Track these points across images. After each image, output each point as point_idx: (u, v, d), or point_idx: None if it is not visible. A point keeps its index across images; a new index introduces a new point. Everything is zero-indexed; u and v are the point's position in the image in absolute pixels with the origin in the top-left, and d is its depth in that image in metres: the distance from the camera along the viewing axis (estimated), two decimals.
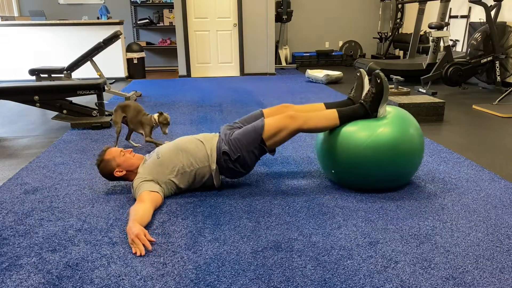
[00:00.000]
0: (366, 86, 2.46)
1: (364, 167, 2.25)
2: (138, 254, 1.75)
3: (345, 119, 2.34)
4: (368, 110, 2.33)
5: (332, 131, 2.38)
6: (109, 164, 2.31)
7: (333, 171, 2.39)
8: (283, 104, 2.52)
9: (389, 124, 2.27)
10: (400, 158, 2.24)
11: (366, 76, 2.47)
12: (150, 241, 1.83)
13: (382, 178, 2.28)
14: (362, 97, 2.39)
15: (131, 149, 2.41)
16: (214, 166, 2.31)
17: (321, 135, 2.50)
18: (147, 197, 2.10)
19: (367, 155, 2.22)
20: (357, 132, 2.26)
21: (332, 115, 2.33)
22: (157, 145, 3.16)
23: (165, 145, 2.39)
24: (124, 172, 2.32)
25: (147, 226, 1.98)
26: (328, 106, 2.51)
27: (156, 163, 2.27)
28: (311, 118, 2.30)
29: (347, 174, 2.33)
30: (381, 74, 2.29)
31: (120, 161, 2.32)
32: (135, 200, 2.28)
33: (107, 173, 2.34)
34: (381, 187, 2.36)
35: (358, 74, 2.48)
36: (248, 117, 2.52)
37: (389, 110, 2.42)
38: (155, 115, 3.17)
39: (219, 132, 2.46)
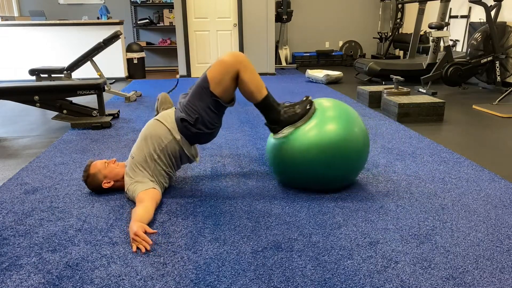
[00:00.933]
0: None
1: (306, 165, 2.23)
2: (143, 250, 1.76)
3: (265, 103, 2.25)
4: (279, 120, 2.27)
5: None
6: (96, 177, 2.33)
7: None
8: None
9: (334, 120, 2.23)
10: (344, 156, 2.22)
11: (309, 105, 2.32)
12: (151, 233, 1.83)
13: (326, 177, 2.26)
14: (285, 108, 2.30)
15: (115, 158, 2.43)
16: (178, 136, 2.28)
17: (270, 142, 2.44)
18: (144, 196, 2.10)
19: (311, 152, 2.21)
20: (304, 130, 2.24)
21: (263, 90, 2.25)
22: None
23: (135, 143, 2.38)
24: (112, 183, 2.34)
25: (149, 225, 1.98)
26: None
27: (134, 163, 2.27)
28: (252, 71, 2.21)
29: (293, 173, 2.32)
30: (314, 104, 2.29)
31: (106, 172, 2.33)
32: (135, 203, 2.28)
33: (96, 186, 2.36)
34: (325, 187, 2.33)
35: (305, 98, 2.36)
36: (199, 78, 2.44)
37: (327, 105, 2.33)
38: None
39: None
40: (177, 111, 2.33)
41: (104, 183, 2.34)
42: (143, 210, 1.99)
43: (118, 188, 2.39)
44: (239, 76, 2.20)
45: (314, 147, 2.20)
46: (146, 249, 1.77)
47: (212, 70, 2.22)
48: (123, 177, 2.35)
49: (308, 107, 2.27)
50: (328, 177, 2.26)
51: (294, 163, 2.27)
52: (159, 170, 2.28)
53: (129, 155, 2.41)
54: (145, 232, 1.83)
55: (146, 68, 8.48)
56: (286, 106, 2.32)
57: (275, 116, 2.28)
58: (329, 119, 2.25)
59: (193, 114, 2.24)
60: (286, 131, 2.28)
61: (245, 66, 2.19)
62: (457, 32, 6.83)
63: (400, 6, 8.44)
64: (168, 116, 2.33)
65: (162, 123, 2.30)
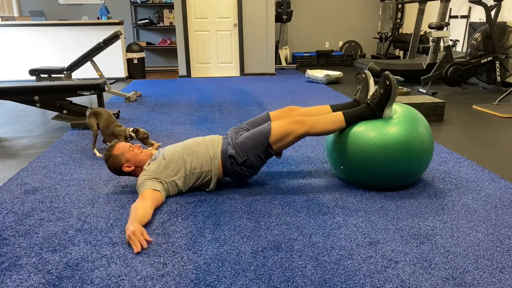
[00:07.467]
0: (372, 88, 2.47)
1: (372, 165, 2.26)
2: (135, 251, 1.75)
3: (351, 120, 2.34)
4: (374, 110, 2.33)
5: (341, 130, 2.40)
6: (118, 159, 2.32)
7: (342, 167, 2.41)
8: (289, 107, 2.52)
9: (399, 123, 2.28)
10: (409, 156, 2.25)
11: (371, 77, 2.49)
12: (147, 240, 1.83)
13: (391, 176, 2.29)
14: (369, 97, 2.39)
15: (139, 144, 2.41)
16: (216, 170, 2.32)
17: (331, 134, 2.51)
18: (149, 195, 2.10)
19: (375, 152, 2.24)
20: (367, 131, 2.28)
21: (338, 118, 2.33)
22: None
23: (172, 146, 2.39)
24: (132, 168, 2.33)
25: (147, 226, 1.98)
26: (334, 108, 2.51)
27: (162, 164, 2.28)
28: (318, 122, 2.31)
29: (357, 172, 2.34)
30: (391, 76, 2.30)
31: (129, 157, 2.32)
32: (137, 196, 2.28)
33: (116, 168, 2.34)
34: (389, 185, 2.36)
35: (363, 75, 2.49)
36: (254, 119, 2.52)
37: (396, 109, 2.42)
38: (130, 130, 2.94)
39: (226, 135, 2.47)
40: (227, 144, 2.36)
41: (125, 166, 2.32)
42: (143, 211, 1.99)
43: (136, 174, 2.37)
44: (311, 134, 2.32)
45: (377, 145, 2.24)
46: (142, 247, 1.78)
47: (278, 126, 2.30)
48: (144, 164, 2.34)
49: (387, 82, 2.30)
50: (390, 174, 2.29)
51: (356, 160, 2.30)
52: (176, 183, 2.29)
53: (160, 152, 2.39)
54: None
55: (146, 68, 8.48)
56: (360, 96, 2.48)
57: (369, 113, 2.35)
58: (393, 119, 2.32)
59: (243, 155, 2.31)
60: (387, 112, 2.35)
61: (310, 126, 2.30)
62: (457, 32, 6.83)
63: (400, 6, 8.44)
64: (216, 145, 2.36)
65: (208, 151, 2.33)
